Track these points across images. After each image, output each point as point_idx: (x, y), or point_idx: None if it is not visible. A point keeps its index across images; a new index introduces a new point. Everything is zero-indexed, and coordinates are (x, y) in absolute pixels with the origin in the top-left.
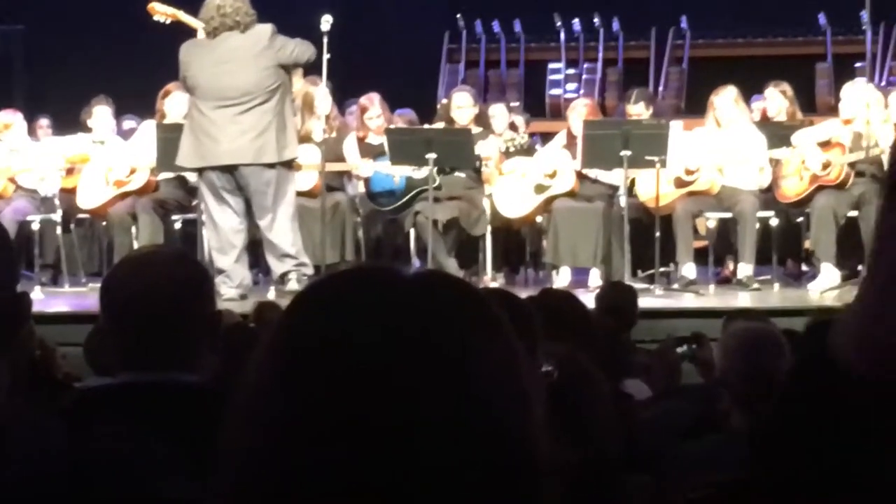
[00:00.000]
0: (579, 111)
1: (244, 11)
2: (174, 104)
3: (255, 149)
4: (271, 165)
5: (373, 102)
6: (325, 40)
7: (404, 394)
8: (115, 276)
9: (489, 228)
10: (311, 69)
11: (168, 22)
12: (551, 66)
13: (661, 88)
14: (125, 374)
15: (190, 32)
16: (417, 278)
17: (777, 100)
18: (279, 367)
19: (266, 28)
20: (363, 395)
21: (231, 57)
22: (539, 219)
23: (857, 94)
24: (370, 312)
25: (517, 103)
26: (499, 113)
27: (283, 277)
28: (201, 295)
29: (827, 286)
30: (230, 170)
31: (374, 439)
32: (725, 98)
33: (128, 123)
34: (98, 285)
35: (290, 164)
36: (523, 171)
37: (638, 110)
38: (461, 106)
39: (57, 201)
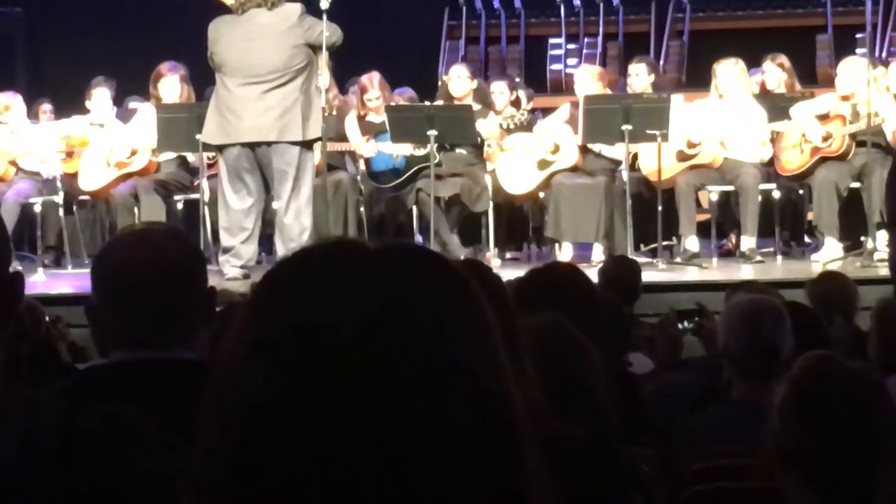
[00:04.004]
0: (585, 76)
1: None
2: (167, 89)
3: (279, 127)
4: (295, 144)
5: (373, 83)
6: (325, 18)
7: (378, 366)
8: (106, 253)
9: (491, 205)
10: None
11: None
12: (552, 41)
13: (661, 62)
14: (119, 352)
15: (212, 11)
16: (384, 250)
17: (775, 73)
18: (249, 349)
19: (295, 7)
20: (336, 370)
21: (260, 34)
22: (541, 194)
23: (853, 69)
24: (338, 287)
25: (518, 79)
26: (501, 90)
27: None
28: (194, 272)
29: (829, 258)
30: (252, 147)
31: (350, 414)
32: (728, 68)
33: (133, 104)
34: None
35: (311, 145)
36: (525, 147)
37: (637, 70)
38: (458, 76)
39: (59, 183)
